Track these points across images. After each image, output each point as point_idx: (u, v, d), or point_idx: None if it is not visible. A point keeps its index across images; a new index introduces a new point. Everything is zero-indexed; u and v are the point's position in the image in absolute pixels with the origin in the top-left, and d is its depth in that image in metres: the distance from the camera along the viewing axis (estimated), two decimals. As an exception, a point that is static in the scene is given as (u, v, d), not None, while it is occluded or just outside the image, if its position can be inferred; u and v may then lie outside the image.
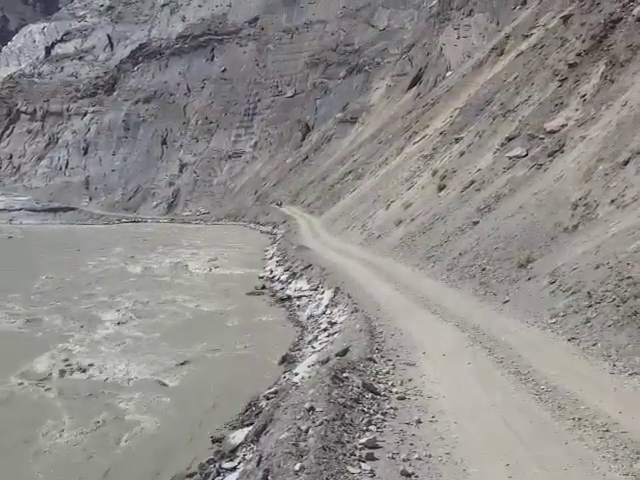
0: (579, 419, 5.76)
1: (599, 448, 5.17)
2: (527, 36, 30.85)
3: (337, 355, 8.33)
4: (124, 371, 11.71)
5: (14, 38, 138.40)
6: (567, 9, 24.65)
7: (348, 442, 5.53)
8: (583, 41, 18.67)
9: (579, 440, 5.36)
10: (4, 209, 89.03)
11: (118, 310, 17.36)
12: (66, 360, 12.18)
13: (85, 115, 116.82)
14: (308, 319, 14.53)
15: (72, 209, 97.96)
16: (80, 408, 9.76)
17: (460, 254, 14.61)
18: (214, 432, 8.43)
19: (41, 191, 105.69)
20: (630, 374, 6.60)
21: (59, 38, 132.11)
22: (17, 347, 13.49)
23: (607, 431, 5.44)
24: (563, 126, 16.12)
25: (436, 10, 71.11)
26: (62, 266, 27.85)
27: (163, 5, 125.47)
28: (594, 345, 7.55)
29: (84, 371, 11.62)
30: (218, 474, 6.77)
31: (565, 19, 23.03)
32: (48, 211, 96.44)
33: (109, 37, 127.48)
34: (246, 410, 8.96)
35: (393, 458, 5.32)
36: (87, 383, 11.02)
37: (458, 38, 58.27)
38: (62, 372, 11.58)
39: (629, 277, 8.01)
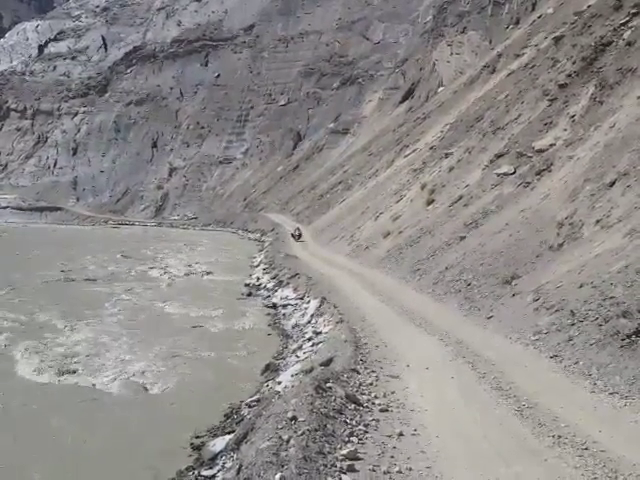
0: (559, 437, 5.79)
1: (578, 466, 5.21)
2: (519, 55, 31.32)
3: (321, 365, 8.32)
4: (104, 371, 11.60)
5: (7, 35, 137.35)
6: (559, 30, 25.10)
7: (329, 453, 5.51)
8: (574, 62, 18.99)
9: (558, 458, 5.39)
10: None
11: (96, 316, 17.18)
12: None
13: (76, 115, 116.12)
14: (293, 328, 14.49)
15: (59, 209, 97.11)
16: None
17: (446, 268, 14.69)
18: (194, 439, 8.35)
19: (28, 190, 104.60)
20: (610, 393, 6.67)
21: (53, 37, 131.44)
22: None
23: (586, 449, 5.48)
24: (551, 145, 16.34)
25: (430, 26, 71.98)
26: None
27: (159, 9, 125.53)
28: (576, 363, 7.62)
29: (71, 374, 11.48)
30: (197, 482, 6.71)
31: (557, 40, 23.44)
32: (34, 210, 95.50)
33: (103, 38, 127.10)
34: (227, 418, 8.89)
35: (374, 470, 5.30)
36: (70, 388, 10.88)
37: (451, 55, 58.99)
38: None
39: (612, 297, 8.11)
